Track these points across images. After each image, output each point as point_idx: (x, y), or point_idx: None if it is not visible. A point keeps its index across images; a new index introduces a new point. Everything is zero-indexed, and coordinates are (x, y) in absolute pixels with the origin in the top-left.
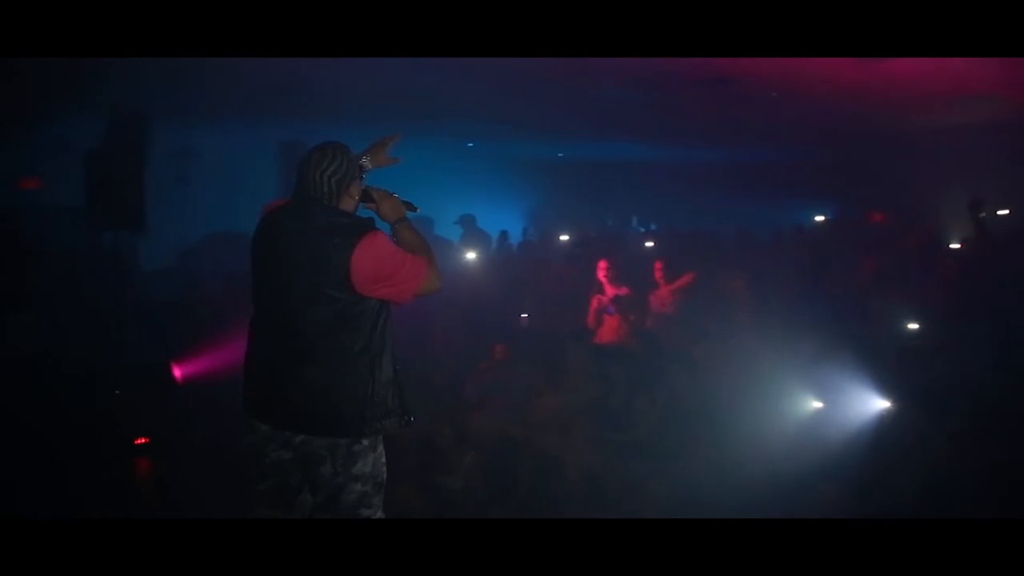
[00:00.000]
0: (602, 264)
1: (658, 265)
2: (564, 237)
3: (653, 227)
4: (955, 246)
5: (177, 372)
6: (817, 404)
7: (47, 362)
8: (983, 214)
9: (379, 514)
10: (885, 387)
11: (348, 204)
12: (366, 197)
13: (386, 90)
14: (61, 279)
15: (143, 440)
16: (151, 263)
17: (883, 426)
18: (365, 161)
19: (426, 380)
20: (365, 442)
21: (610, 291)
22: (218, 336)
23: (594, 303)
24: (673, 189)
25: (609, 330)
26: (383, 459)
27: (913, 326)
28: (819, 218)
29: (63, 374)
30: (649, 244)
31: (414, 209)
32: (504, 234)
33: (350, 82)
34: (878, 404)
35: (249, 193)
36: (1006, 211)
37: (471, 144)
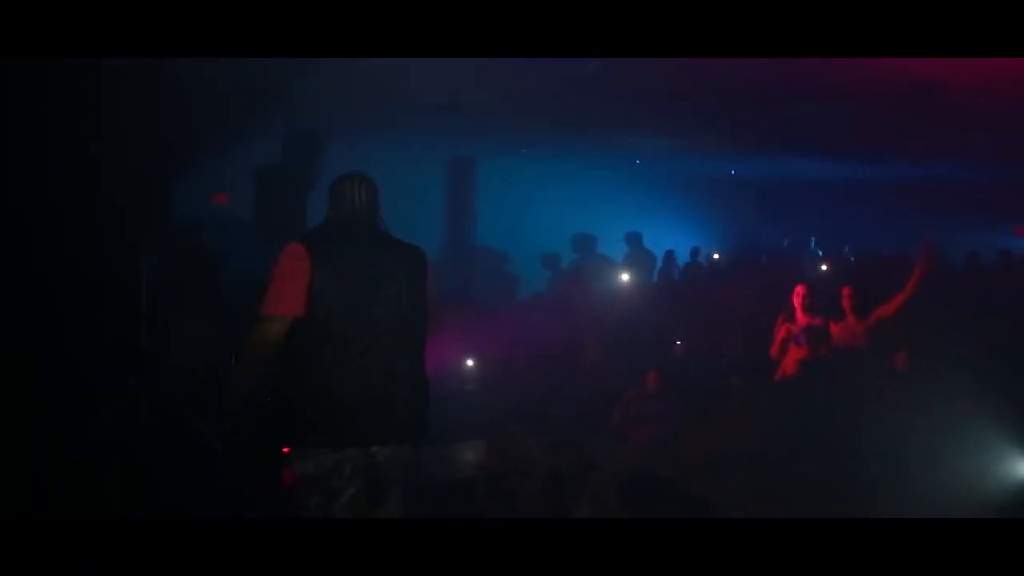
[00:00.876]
0: (799, 289)
1: (846, 292)
2: (716, 256)
3: (846, 250)
4: None
5: None
6: None
7: (212, 367)
8: None
9: None
10: None
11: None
12: None
13: (554, 107)
14: (234, 288)
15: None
16: None
17: None
18: None
19: (573, 404)
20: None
21: (803, 320)
22: None
23: (782, 331)
24: (855, 209)
25: (792, 362)
26: None
27: None
28: None
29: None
30: (823, 267)
31: None
32: (670, 254)
33: (515, 99)
34: None
35: (417, 206)
36: None
37: (638, 161)
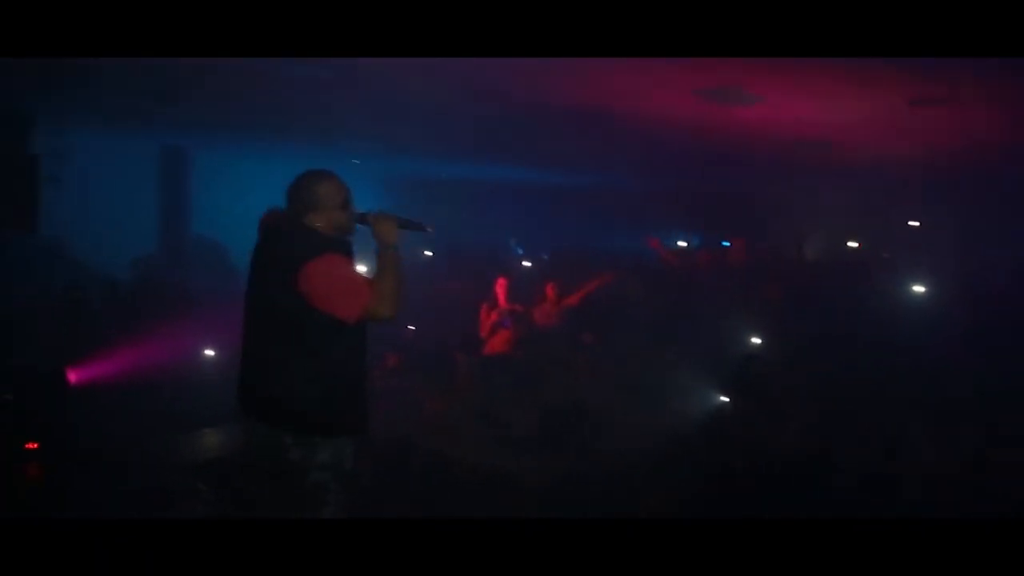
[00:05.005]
0: (502, 281)
1: (551, 284)
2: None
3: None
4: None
5: (71, 376)
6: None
7: None
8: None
9: None
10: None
11: (321, 222)
12: (362, 220)
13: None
14: None
15: (33, 445)
16: (25, 265)
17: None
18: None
19: None
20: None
21: (505, 306)
22: (106, 341)
23: (492, 316)
24: (542, 212)
25: (501, 341)
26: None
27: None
28: (682, 243)
29: None
30: (527, 264)
31: (424, 228)
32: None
33: (225, 89)
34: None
35: (127, 196)
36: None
37: (356, 161)
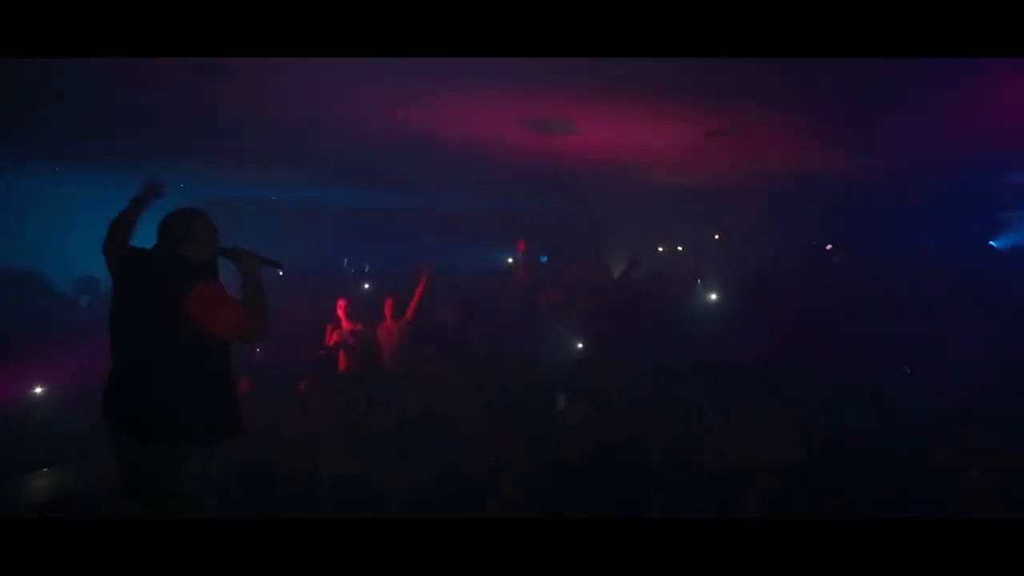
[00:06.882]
0: (342, 303)
1: (388, 302)
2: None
3: (366, 268)
4: None
5: None
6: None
7: None
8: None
9: None
10: None
11: (193, 253)
12: (227, 254)
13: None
14: None
15: None
16: None
17: None
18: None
19: None
20: None
21: (347, 326)
22: None
23: (334, 337)
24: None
25: (344, 360)
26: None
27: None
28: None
29: None
30: (367, 286)
31: (280, 266)
32: None
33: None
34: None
35: None
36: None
37: (182, 184)
